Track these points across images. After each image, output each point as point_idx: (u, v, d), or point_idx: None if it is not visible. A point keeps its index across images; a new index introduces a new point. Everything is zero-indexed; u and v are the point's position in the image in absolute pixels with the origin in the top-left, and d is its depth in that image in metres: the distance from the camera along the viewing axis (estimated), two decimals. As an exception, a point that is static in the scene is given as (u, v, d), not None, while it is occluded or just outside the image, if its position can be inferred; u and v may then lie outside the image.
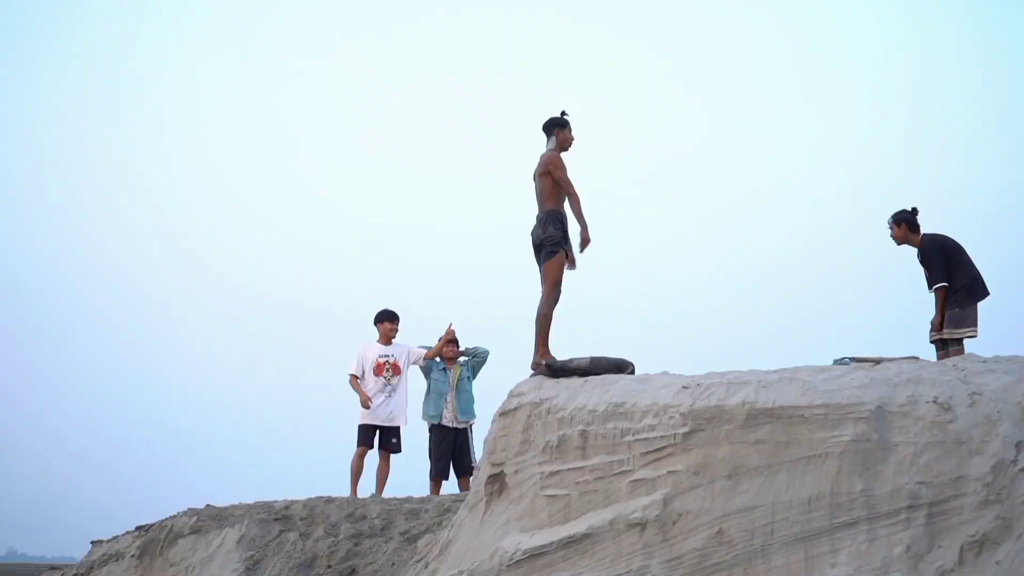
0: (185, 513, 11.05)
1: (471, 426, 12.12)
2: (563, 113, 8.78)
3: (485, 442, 7.85)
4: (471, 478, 10.57)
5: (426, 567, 8.09)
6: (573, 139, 8.77)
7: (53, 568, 13.68)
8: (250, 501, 10.95)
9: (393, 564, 8.68)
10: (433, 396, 12.10)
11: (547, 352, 8.17)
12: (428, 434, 12.13)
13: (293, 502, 10.58)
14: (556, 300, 8.33)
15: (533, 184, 8.63)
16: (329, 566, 9.07)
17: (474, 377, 12.18)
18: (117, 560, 11.25)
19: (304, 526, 9.96)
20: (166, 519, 11.19)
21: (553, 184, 8.47)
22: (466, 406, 12.04)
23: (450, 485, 12.14)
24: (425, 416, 12.13)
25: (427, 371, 12.18)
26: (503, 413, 7.64)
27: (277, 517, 10.19)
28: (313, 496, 10.67)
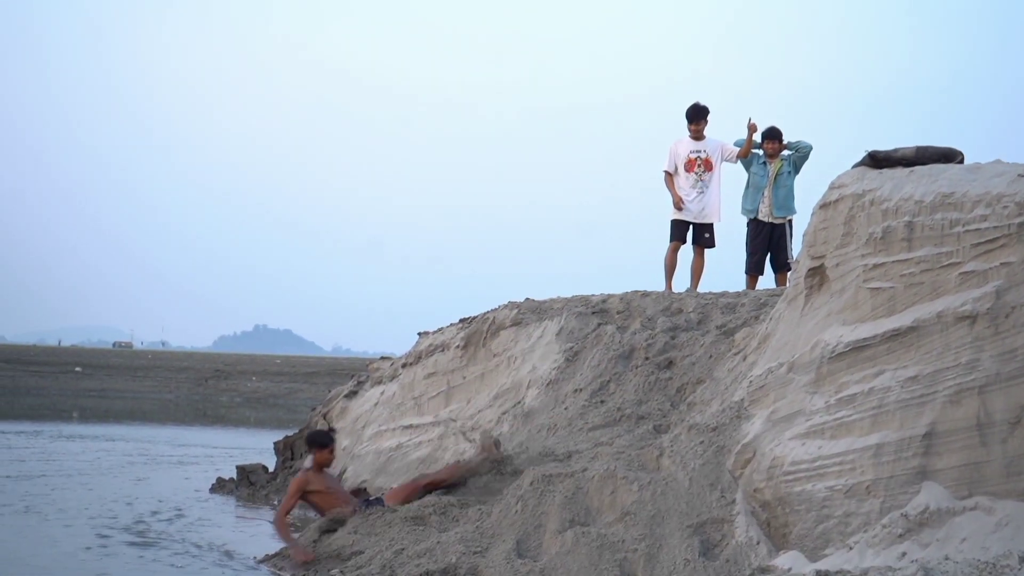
0: (506, 306, 11.41)
1: (790, 222, 11.92)
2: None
3: (804, 235, 7.69)
4: (788, 274, 10.46)
5: (744, 359, 8.10)
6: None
7: (383, 358, 14.42)
8: (567, 295, 11.21)
9: (711, 357, 8.73)
10: (751, 190, 11.97)
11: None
12: (746, 228, 12.05)
13: (610, 296, 10.75)
14: None
15: None
16: (647, 358, 9.22)
17: (796, 172, 11.91)
18: (443, 350, 11.78)
19: (621, 319, 10.13)
20: (488, 312, 11.60)
21: None
22: (784, 201, 11.84)
23: (766, 280, 12.08)
24: (743, 210, 12.03)
25: (747, 165, 12.02)
26: (823, 205, 7.44)
27: (595, 310, 10.39)
28: (629, 291, 10.81)
